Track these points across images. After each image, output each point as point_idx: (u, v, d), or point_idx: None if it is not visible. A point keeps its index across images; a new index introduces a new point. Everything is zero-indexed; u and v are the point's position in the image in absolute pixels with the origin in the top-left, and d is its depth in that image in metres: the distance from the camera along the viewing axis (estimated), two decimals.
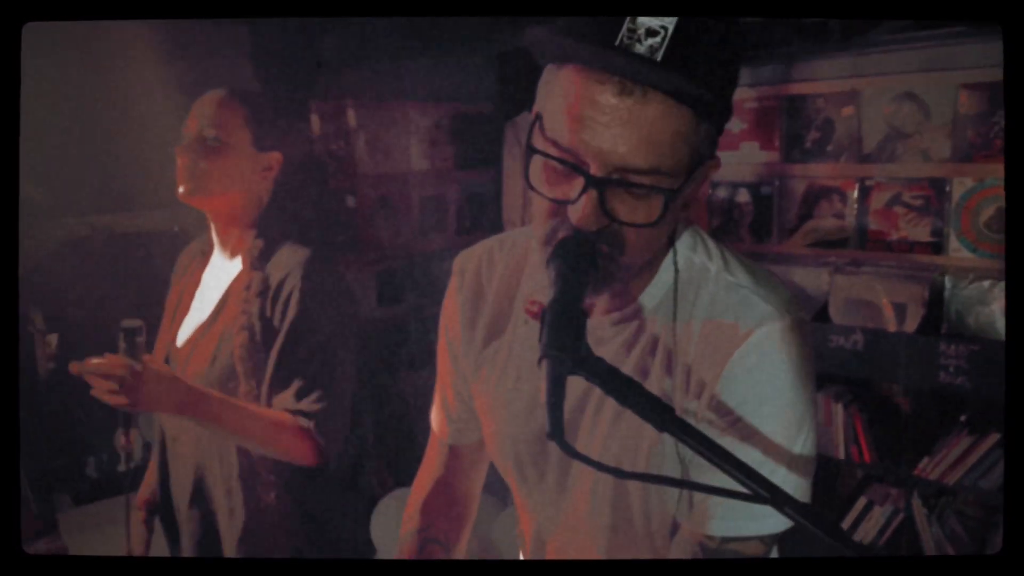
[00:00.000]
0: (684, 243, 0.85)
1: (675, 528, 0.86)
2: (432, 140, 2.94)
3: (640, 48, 0.69)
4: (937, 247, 2.33)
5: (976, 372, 2.07)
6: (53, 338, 2.43)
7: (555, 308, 0.68)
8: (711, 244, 0.86)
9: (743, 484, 0.61)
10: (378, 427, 2.76)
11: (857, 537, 2.23)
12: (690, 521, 0.84)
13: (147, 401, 1.15)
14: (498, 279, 0.95)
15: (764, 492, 0.60)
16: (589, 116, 0.70)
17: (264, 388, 1.28)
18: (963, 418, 2.21)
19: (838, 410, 2.34)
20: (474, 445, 1.06)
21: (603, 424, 0.85)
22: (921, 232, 2.37)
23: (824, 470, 2.34)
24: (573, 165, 0.72)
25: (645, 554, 0.88)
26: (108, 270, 2.40)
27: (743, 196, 2.69)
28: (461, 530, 1.07)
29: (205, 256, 1.45)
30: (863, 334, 2.25)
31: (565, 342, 0.65)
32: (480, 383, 0.96)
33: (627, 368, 0.83)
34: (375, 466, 2.66)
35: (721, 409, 0.80)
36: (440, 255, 2.98)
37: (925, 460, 2.21)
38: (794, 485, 0.79)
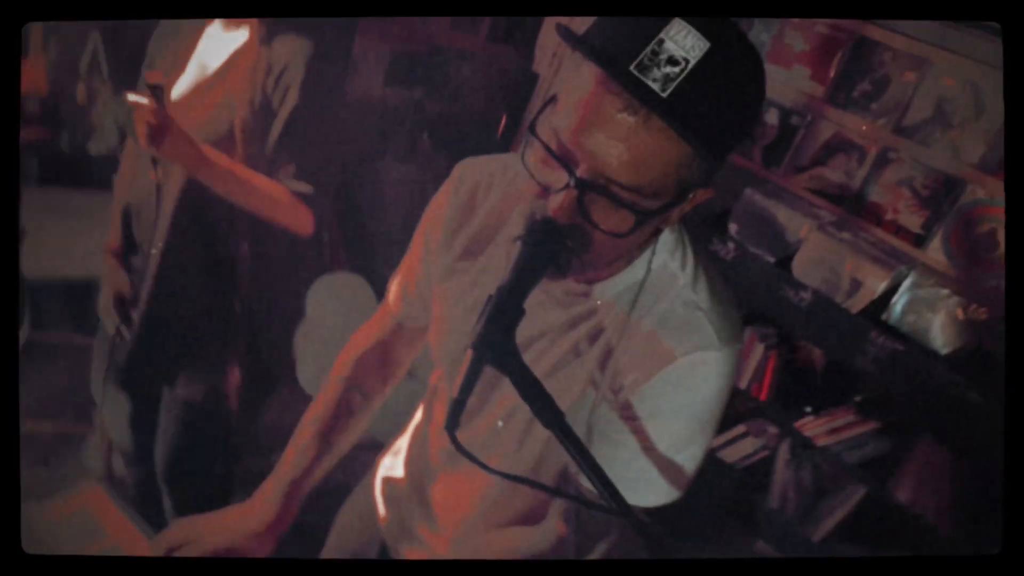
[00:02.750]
0: (666, 244, 0.87)
1: (563, 477, 0.96)
2: None
3: (656, 74, 0.68)
4: (920, 240, 2.37)
5: (889, 368, 2.21)
6: None
7: (501, 296, 0.73)
8: (689, 253, 0.88)
9: (602, 494, 0.71)
10: (355, 213, 2.81)
11: (721, 455, 2.48)
12: (580, 476, 0.91)
13: (167, 151, 1.29)
14: (491, 204, 0.96)
15: (618, 507, 0.70)
16: (593, 121, 0.71)
17: (261, 163, 1.41)
18: (857, 399, 2.40)
19: (759, 349, 2.50)
20: (420, 327, 1.11)
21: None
22: (913, 221, 2.38)
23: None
24: (564, 163, 0.74)
25: (524, 487, 0.92)
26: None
27: (772, 117, 2.62)
28: (384, 389, 1.16)
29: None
30: (813, 295, 2.34)
31: (496, 337, 0.71)
32: (443, 289, 0.99)
33: (563, 342, 0.88)
34: (333, 237, 2.76)
35: (630, 411, 0.87)
36: (463, 56, 2.88)
37: (809, 418, 2.43)
38: (663, 491, 0.88)
